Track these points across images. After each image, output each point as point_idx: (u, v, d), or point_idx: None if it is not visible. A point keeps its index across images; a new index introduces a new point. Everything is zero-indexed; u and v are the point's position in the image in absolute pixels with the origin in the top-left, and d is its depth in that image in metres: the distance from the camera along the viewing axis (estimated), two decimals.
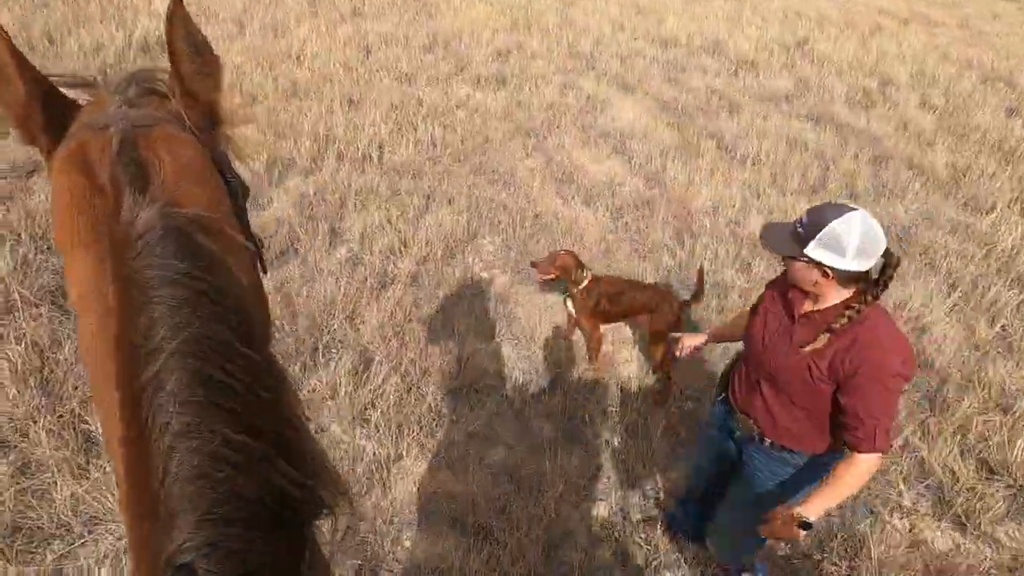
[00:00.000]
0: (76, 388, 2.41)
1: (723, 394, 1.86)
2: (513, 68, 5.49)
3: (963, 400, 2.83)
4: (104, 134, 0.67)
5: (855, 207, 1.40)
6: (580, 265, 2.82)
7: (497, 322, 3.07)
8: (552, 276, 2.82)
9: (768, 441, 1.66)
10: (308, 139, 4.10)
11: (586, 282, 2.79)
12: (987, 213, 4.31)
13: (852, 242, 1.36)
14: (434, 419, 2.59)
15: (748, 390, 1.70)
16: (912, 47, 7.18)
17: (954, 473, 2.55)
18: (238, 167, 0.85)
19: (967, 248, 3.95)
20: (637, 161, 4.43)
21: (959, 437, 2.70)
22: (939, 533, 2.38)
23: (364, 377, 2.67)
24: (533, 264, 2.89)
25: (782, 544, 2.23)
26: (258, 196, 3.57)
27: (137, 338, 0.57)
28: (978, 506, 2.43)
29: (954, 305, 3.47)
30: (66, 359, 2.50)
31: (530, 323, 3.11)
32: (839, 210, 1.39)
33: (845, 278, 1.43)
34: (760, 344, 1.63)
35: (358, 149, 4.13)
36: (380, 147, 4.21)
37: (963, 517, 2.41)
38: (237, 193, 0.81)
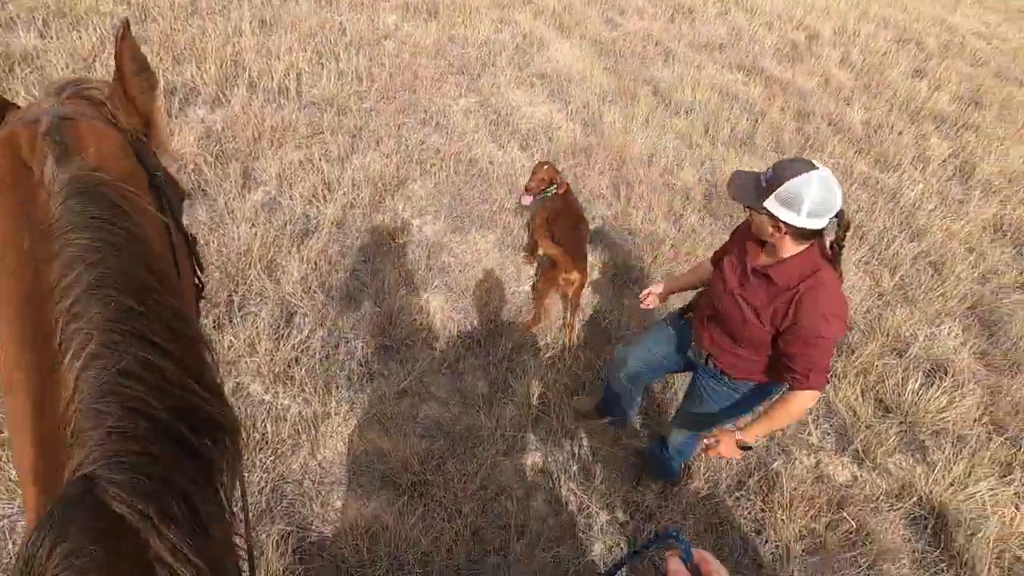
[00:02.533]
0: None
1: (688, 314, 1.99)
2: None
3: (866, 346, 3.07)
4: (33, 126, 0.70)
5: (818, 166, 1.42)
6: (557, 173, 2.97)
7: (429, 272, 2.95)
8: (540, 188, 2.93)
9: (717, 369, 1.80)
10: (213, 64, 3.63)
11: (560, 190, 2.93)
12: (894, 170, 4.59)
13: (807, 201, 1.38)
14: (363, 375, 2.47)
15: (701, 323, 1.83)
16: (837, 2, 7.36)
17: (855, 412, 2.78)
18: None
19: (876, 202, 4.21)
20: (574, 106, 4.30)
21: (861, 379, 2.93)
22: (841, 467, 2.61)
23: (286, 332, 2.49)
24: (527, 188, 2.96)
25: (720, 461, 2.43)
26: None
27: (50, 280, 0.58)
28: (874, 441, 2.67)
29: (862, 257, 3.71)
30: None
31: (464, 274, 3.00)
32: (801, 167, 1.40)
33: (798, 234, 1.46)
34: (718, 288, 1.72)
35: (272, 79, 3.72)
36: (298, 78, 3.81)
37: (861, 452, 2.65)
38: (174, 181, 0.87)
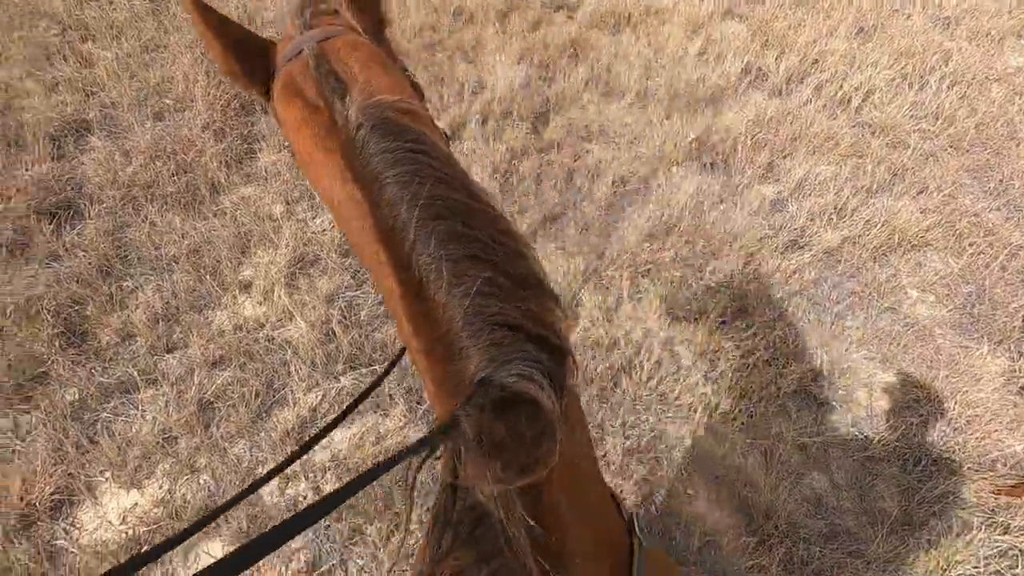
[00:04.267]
0: None
1: None
2: None
3: None
4: (301, 58, 0.77)
5: None
6: None
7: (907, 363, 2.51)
8: None
9: None
10: (795, 56, 3.69)
11: None
12: None
13: None
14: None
15: None
16: None
17: None
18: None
19: None
20: None
21: None
22: None
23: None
24: None
25: None
26: None
27: (388, 221, 0.62)
28: None
29: None
30: None
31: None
32: None
33: None
34: None
35: (840, 87, 3.57)
36: (867, 94, 3.55)
37: None
38: (417, 85, 0.90)
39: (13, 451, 2.00)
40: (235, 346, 2.29)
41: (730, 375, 2.25)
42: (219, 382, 2.19)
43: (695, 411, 2.15)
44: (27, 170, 2.77)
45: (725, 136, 3.23)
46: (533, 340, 0.60)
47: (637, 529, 0.82)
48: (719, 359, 2.32)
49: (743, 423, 2.15)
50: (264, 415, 2.13)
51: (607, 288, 2.55)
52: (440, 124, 3.19)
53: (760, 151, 3.18)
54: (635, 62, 3.69)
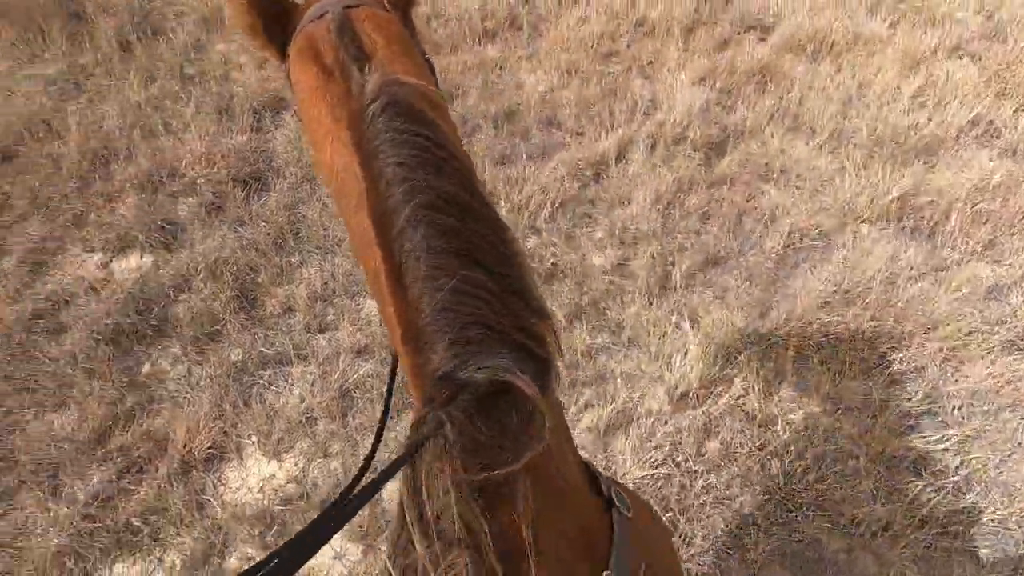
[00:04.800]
0: None
1: None
2: None
3: None
4: (323, 21, 0.77)
5: None
6: None
7: None
8: None
9: None
10: None
11: None
12: None
13: None
14: None
15: None
16: None
17: None
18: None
19: None
20: None
21: None
22: None
23: None
24: None
25: None
26: None
27: (382, 202, 0.61)
28: None
29: None
30: None
31: None
32: None
33: None
34: None
35: None
36: None
37: None
38: (433, 69, 0.89)
39: (184, 398, 2.22)
40: (379, 339, 2.36)
41: (909, 493, 1.91)
42: (361, 372, 2.27)
43: (859, 526, 1.85)
44: (231, 139, 3.08)
45: (936, 198, 2.76)
46: (512, 346, 0.58)
47: (617, 500, 0.74)
48: (897, 469, 1.99)
49: (919, 555, 1.81)
50: (396, 415, 2.18)
51: (767, 355, 2.29)
52: (606, 143, 3.06)
53: (980, 223, 2.69)
54: (833, 96, 3.29)
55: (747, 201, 2.87)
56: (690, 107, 3.17)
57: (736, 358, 2.24)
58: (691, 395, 2.16)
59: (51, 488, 1.98)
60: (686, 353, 2.25)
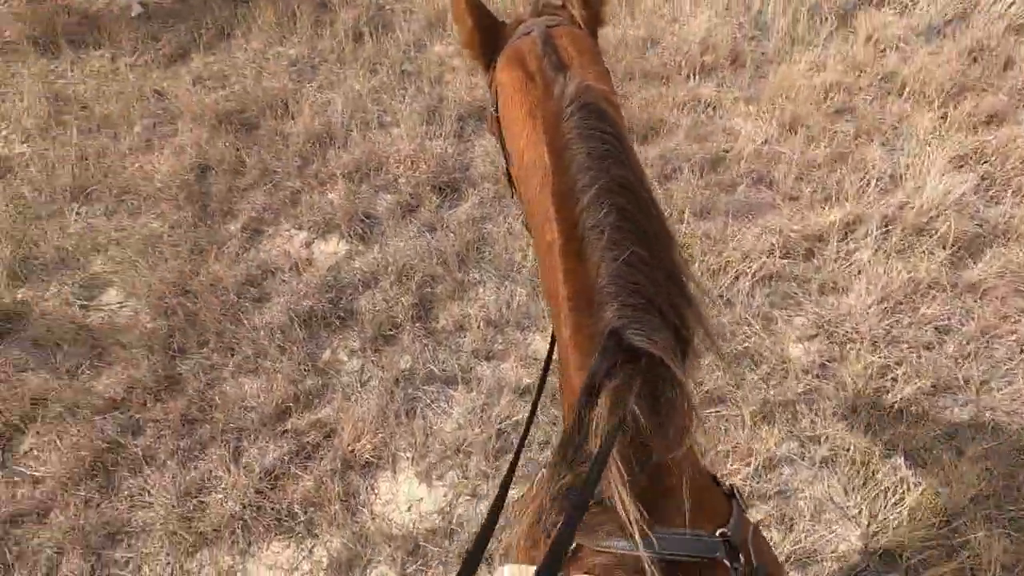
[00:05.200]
0: None
1: None
2: None
3: None
4: (529, 36, 0.95)
5: None
6: None
7: None
8: None
9: None
10: None
11: None
12: None
13: None
14: None
15: None
16: None
17: None
18: None
19: None
20: None
21: None
22: None
23: None
24: None
25: None
26: None
27: (568, 184, 0.74)
28: None
29: None
30: None
31: None
32: None
33: None
34: None
35: None
36: None
37: None
38: (609, 75, 1.04)
39: (354, 394, 2.31)
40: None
41: None
42: (519, 416, 2.20)
43: None
44: (436, 143, 3.16)
45: None
46: (663, 321, 0.67)
47: (736, 495, 0.84)
48: None
49: None
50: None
51: (1013, 536, 1.85)
52: (828, 216, 2.70)
53: None
54: None
55: (1001, 321, 2.36)
56: (942, 192, 2.68)
57: (966, 527, 1.83)
58: (898, 555, 1.80)
59: (234, 452, 2.15)
60: (898, 501, 1.88)
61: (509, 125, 0.95)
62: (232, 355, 2.41)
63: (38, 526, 2.00)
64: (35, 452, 2.18)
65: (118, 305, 2.61)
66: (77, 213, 2.92)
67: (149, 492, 2.05)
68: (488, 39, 1.05)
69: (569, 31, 0.97)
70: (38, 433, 2.20)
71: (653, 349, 0.64)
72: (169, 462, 2.13)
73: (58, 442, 2.16)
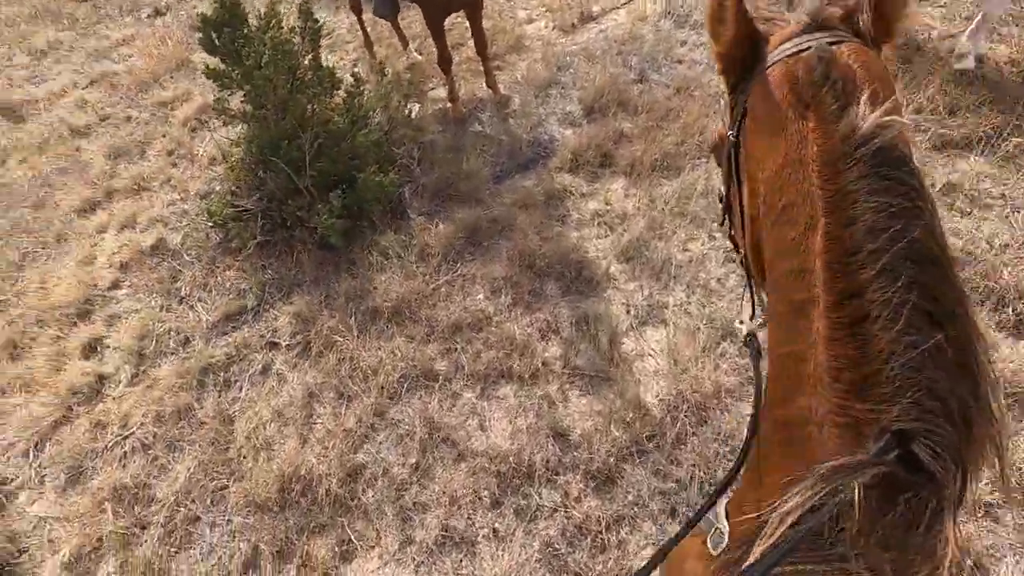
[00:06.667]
0: None
1: None
2: None
3: None
4: (805, 59, 0.75)
5: None
6: None
7: None
8: None
9: None
10: None
11: None
12: None
13: None
14: None
15: None
16: None
17: None
18: None
19: None
20: None
21: None
22: None
23: None
24: None
25: None
26: None
27: (848, 244, 0.64)
28: None
29: None
30: None
31: None
32: None
33: None
34: None
35: None
36: None
37: None
38: None
39: None
40: None
41: None
42: None
43: None
44: None
45: None
46: (956, 430, 0.59)
47: None
48: None
49: None
50: None
51: None
52: None
53: None
54: None
55: None
56: None
57: None
58: None
59: None
60: None
61: (759, 156, 0.81)
62: None
63: None
64: None
65: None
66: None
67: None
68: (747, 52, 0.85)
69: (858, 50, 0.77)
70: None
71: (939, 474, 0.57)
72: None
73: None
